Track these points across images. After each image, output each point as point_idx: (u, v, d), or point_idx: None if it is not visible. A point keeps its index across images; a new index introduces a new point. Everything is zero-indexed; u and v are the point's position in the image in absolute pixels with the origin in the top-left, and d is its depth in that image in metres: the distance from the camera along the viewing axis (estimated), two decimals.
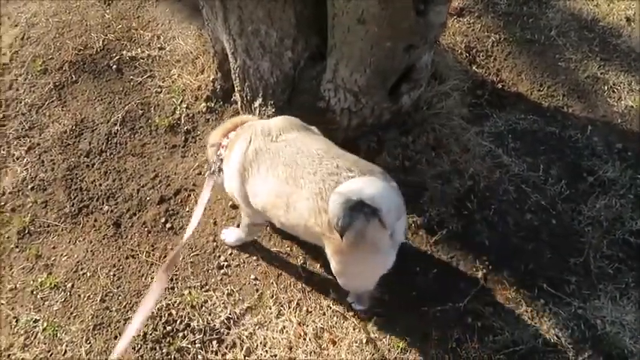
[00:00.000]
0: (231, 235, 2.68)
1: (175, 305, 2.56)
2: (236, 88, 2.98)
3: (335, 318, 2.50)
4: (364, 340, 2.43)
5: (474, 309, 2.52)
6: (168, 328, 2.49)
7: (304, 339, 2.44)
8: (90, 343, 2.47)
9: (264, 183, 2.07)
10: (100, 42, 3.70)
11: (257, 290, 2.60)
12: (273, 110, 2.84)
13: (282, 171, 2.02)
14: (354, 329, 2.47)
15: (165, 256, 2.73)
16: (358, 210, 1.72)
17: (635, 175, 2.94)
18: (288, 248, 2.72)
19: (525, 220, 2.78)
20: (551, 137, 3.12)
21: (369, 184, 1.79)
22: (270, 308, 2.54)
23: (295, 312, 2.52)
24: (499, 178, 2.90)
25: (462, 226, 2.76)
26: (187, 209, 2.88)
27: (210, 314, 2.53)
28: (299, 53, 2.70)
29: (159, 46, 3.70)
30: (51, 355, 2.45)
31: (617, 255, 2.65)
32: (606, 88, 3.35)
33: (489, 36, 3.65)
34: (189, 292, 2.59)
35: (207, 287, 2.62)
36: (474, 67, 3.50)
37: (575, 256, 2.65)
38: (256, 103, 2.90)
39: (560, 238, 2.71)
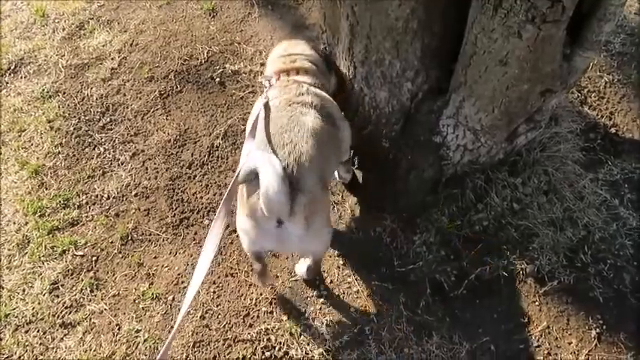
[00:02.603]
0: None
1: (274, 331, 2.53)
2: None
3: None
4: None
5: None
6: (267, 354, 2.46)
7: None
8: None
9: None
10: (205, 53, 3.76)
11: (356, 324, 2.54)
12: (385, 140, 2.78)
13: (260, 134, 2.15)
14: None
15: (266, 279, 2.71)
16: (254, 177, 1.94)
17: None
18: (389, 283, 2.65)
19: None
20: None
21: (263, 163, 1.91)
22: (370, 345, 2.47)
23: (397, 352, 2.44)
24: (615, 232, 2.75)
25: (575, 278, 2.62)
26: None
27: (308, 344, 2.49)
28: (418, 85, 2.64)
29: (261, 61, 3.72)
30: None
31: None
32: None
33: (602, 76, 3.50)
34: (289, 318, 2.56)
35: (306, 315, 2.58)
36: (585, 109, 3.35)
37: None
38: (366, 132, 2.86)
39: None
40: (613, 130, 3.28)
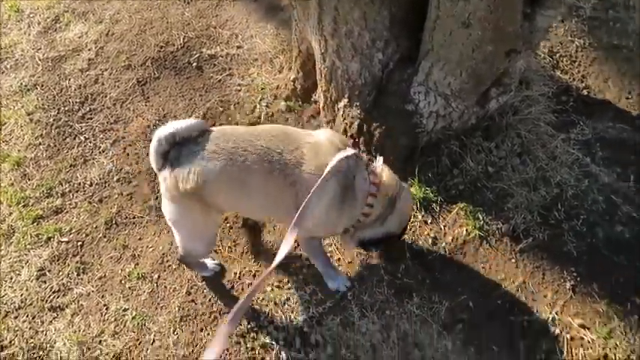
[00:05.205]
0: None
1: (259, 302, 2.59)
2: (321, 89, 2.99)
3: (419, 323, 2.47)
4: (449, 347, 2.40)
5: (562, 320, 2.45)
6: (253, 323, 2.52)
7: (388, 343, 2.43)
8: (177, 334, 2.52)
9: None
10: (181, 39, 3.79)
11: (339, 291, 2.60)
12: (359, 112, 2.83)
13: None
14: (438, 335, 2.44)
15: (246, 252, 2.77)
16: None
17: None
18: (369, 250, 2.70)
19: (616, 232, 2.69)
20: None
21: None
22: (353, 310, 2.53)
23: (378, 315, 2.51)
24: (587, 188, 2.82)
25: (549, 235, 2.69)
26: None
27: (292, 312, 2.55)
28: (389, 56, 2.69)
29: (237, 44, 3.76)
30: (140, 343, 2.51)
31: None
32: None
33: (573, 41, 3.56)
34: (272, 289, 2.62)
35: (289, 285, 2.63)
36: (558, 73, 3.41)
37: None
38: (341, 104, 2.91)
39: None
40: (585, 92, 3.34)
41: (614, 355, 2.34)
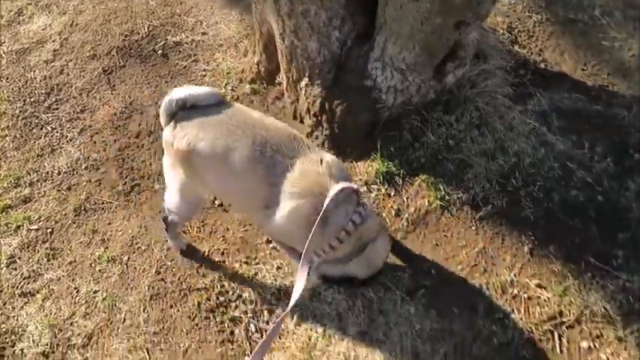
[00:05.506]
0: None
1: (227, 277, 2.65)
2: (282, 69, 3.04)
3: (383, 290, 2.54)
4: (412, 312, 2.48)
5: (520, 281, 2.54)
6: (222, 298, 2.58)
7: (353, 311, 2.50)
8: (147, 312, 2.57)
9: None
10: (146, 28, 3.81)
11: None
12: (320, 90, 2.89)
13: None
14: (401, 301, 2.51)
15: (214, 232, 2.82)
16: None
17: None
18: None
19: (571, 196, 2.78)
20: (595, 115, 3.10)
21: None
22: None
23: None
24: (544, 156, 2.91)
25: (507, 202, 2.77)
26: None
27: (260, 286, 2.61)
28: (346, 33, 2.75)
29: (202, 31, 3.79)
30: (111, 323, 2.56)
31: None
32: None
33: (531, 16, 3.65)
34: (240, 265, 2.68)
35: (257, 261, 2.69)
36: (516, 47, 3.50)
37: (622, 231, 2.65)
38: (302, 84, 2.96)
39: (606, 213, 2.71)
40: (542, 65, 3.44)
41: (569, 311, 2.44)
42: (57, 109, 3.45)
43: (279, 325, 1.98)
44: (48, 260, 2.80)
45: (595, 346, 2.36)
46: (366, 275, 2.37)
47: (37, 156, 3.23)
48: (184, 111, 2.21)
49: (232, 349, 2.44)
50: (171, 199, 2.45)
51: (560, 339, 2.38)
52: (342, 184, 2.07)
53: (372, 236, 2.22)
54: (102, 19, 3.90)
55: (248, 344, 2.45)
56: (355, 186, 2.16)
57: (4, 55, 3.74)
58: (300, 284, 1.96)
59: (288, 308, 1.94)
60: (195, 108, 2.21)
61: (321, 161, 2.11)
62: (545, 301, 2.48)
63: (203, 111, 2.19)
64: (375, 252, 2.29)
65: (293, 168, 2.09)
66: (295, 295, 1.94)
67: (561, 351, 2.36)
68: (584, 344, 2.37)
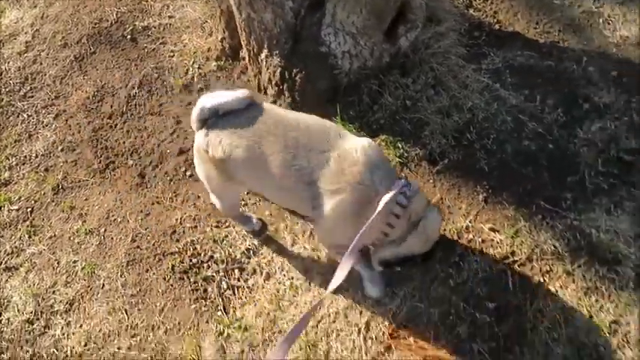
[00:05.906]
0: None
1: (199, 241, 2.79)
2: (243, 43, 3.17)
3: None
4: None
5: (475, 227, 2.69)
6: (194, 260, 2.72)
7: (318, 263, 2.64)
8: (124, 277, 2.72)
9: None
10: (114, 15, 3.92)
11: (272, 224, 2.81)
12: (279, 60, 3.02)
13: None
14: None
15: (186, 200, 2.96)
16: None
17: (630, 99, 3.04)
18: None
19: (523, 146, 2.92)
20: (547, 70, 3.24)
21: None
22: (285, 238, 2.75)
23: (308, 240, 2.72)
24: (497, 110, 3.04)
25: (463, 155, 2.91)
26: None
27: (231, 247, 2.75)
28: (300, 2, 2.86)
29: (169, 14, 3.90)
30: (90, 289, 2.70)
31: (612, 171, 2.77)
32: (601, 21, 3.44)
33: None
34: (211, 229, 2.82)
35: (227, 224, 2.83)
36: (470, 11, 3.62)
37: (571, 175, 2.79)
38: (262, 55, 3.09)
39: (557, 160, 2.85)
40: (497, 26, 3.56)
41: (520, 250, 2.59)
42: (32, 97, 3.57)
43: (317, 307, 1.98)
44: (29, 237, 2.93)
45: (545, 280, 2.51)
46: (425, 250, 2.29)
47: (15, 142, 3.36)
48: (216, 117, 2.19)
49: (205, 305, 2.59)
50: (215, 201, 2.55)
51: (512, 276, 2.53)
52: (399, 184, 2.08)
53: (422, 213, 2.18)
54: (71, 9, 4.01)
55: (220, 300, 2.60)
56: (402, 180, 2.14)
57: None
58: (342, 272, 1.94)
59: (327, 291, 1.95)
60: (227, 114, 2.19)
61: (356, 149, 2.10)
62: (498, 243, 2.62)
63: (235, 116, 2.18)
64: (428, 227, 2.21)
65: (328, 163, 2.08)
66: (336, 282, 1.93)
67: (514, 286, 2.50)
68: (535, 279, 2.51)
